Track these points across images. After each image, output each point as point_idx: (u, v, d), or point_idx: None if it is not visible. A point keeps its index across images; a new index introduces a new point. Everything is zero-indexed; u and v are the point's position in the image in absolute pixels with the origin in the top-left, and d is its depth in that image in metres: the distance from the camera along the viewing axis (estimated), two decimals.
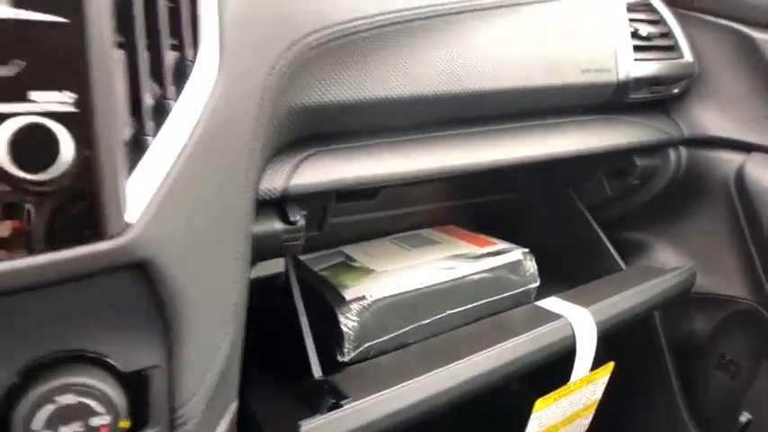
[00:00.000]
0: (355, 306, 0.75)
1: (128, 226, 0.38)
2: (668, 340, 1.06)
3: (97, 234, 0.37)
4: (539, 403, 0.77)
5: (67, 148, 0.35)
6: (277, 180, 0.56)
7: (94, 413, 0.40)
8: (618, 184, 1.00)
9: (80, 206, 0.37)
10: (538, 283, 0.91)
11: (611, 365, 0.86)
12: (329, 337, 0.76)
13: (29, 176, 0.34)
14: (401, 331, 0.80)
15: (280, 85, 0.52)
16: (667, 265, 1.02)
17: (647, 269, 0.97)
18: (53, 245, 0.36)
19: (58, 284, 0.38)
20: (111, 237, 0.37)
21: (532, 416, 0.78)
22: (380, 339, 0.78)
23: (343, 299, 0.76)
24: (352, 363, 0.75)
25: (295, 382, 0.70)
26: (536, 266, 0.91)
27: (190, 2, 0.45)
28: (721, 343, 1.04)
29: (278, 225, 0.59)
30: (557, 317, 0.79)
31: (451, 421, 0.88)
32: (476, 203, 1.08)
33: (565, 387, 0.80)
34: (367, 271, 0.81)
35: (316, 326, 0.70)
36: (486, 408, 0.80)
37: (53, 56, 0.36)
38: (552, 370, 0.81)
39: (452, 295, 0.84)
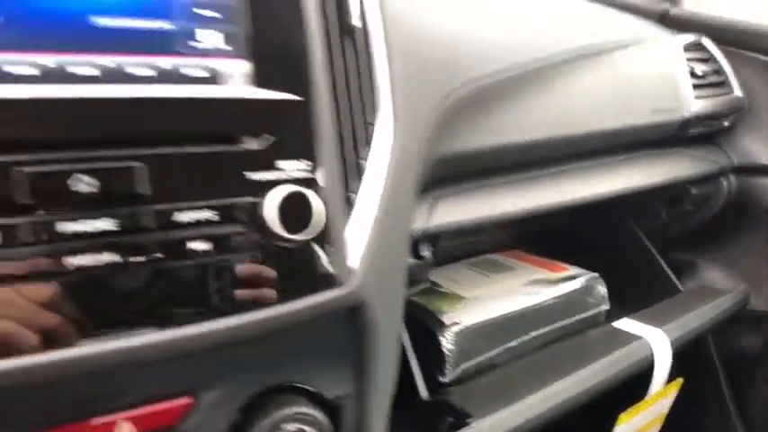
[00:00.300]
0: (453, 330, 0.81)
1: (351, 272, 0.44)
2: (720, 356, 1.12)
3: (330, 281, 0.43)
4: (623, 417, 0.84)
5: (319, 210, 0.41)
6: (418, 221, 0.62)
7: None
8: (673, 210, 1.07)
9: (315, 257, 0.43)
10: (608, 307, 0.97)
11: (679, 381, 0.93)
12: (429, 360, 0.82)
13: (292, 236, 0.40)
14: (492, 353, 0.86)
15: (433, 136, 0.58)
16: (718, 285, 1.09)
17: (705, 290, 1.04)
18: (294, 293, 0.42)
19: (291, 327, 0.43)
20: (341, 284, 0.44)
21: (616, 429, 0.84)
22: (474, 361, 0.84)
23: (443, 323, 0.82)
24: (450, 384, 0.81)
25: (401, 402, 0.75)
26: (606, 290, 0.97)
27: (369, 72, 0.52)
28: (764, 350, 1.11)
29: (410, 260, 0.66)
30: (636, 338, 0.86)
31: None
32: (533, 227, 1.15)
33: (643, 402, 0.86)
34: (458, 297, 0.87)
35: (414, 349, 0.76)
36: (568, 422, 0.86)
37: (293, 129, 0.43)
38: (631, 386, 0.87)
39: (534, 318, 0.90)
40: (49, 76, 0.36)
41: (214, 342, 0.39)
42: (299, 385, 0.47)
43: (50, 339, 0.34)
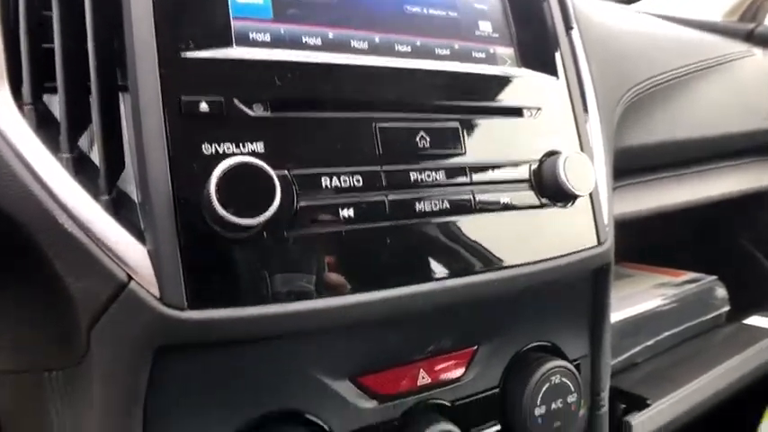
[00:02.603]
0: None
1: (609, 231, 0.49)
2: None
3: (595, 238, 0.48)
4: None
5: (590, 172, 0.46)
6: None
7: (570, 392, 0.49)
8: None
9: (587, 215, 0.48)
10: (729, 308, 1.00)
11: None
12: None
13: (576, 191, 0.45)
14: (633, 351, 0.89)
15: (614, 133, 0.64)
16: None
17: None
18: (567, 247, 0.47)
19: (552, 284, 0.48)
20: (603, 242, 0.48)
21: (763, 423, 0.86)
22: (619, 359, 0.87)
23: None
24: None
25: None
26: (726, 293, 1.00)
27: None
28: None
29: None
30: None
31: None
32: (633, 242, 1.19)
33: None
34: None
35: None
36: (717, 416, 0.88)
37: (554, 105, 0.48)
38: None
39: (666, 319, 0.93)
40: (377, 49, 0.42)
41: (511, 284, 0.43)
42: (553, 344, 0.50)
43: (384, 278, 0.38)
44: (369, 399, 0.42)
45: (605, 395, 0.55)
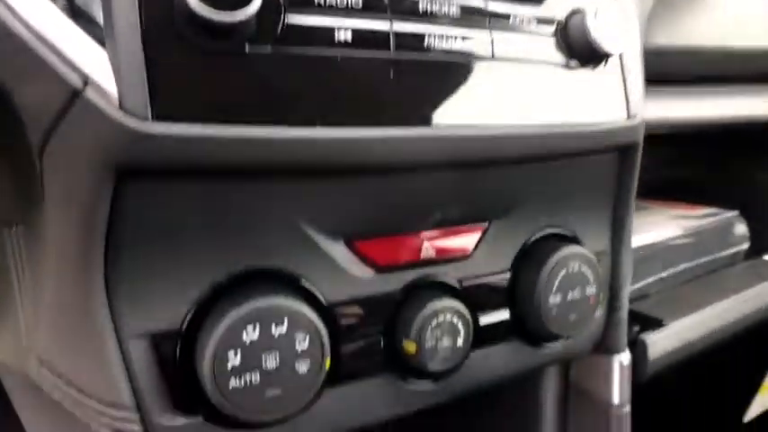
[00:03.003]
0: None
1: (639, 106, 0.43)
2: None
3: (624, 110, 0.42)
4: None
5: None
6: None
7: (589, 282, 0.44)
8: None
9: (616, 83, 0.42)
10: (748, 245, 0.95)
11: None
12: None
13: (609, 50, 0.39)
14: (645, 282, 0.84)
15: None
16: None
17: None
18: (595, 113, 0.41)
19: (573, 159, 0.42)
20: (633, 116, 0.42)
21: None
22: (630, 288, 0.82)
23: None
24: None
25: None
26: (746, 229, 0.95)
27: None
28: None
29: None
30: None
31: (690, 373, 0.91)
32: (660, 177, 1.13)
33: None
34: None
35: None
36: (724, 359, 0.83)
37: None
38: None
39: (681, 251, 0.88)
40: None
41: (526, 146, 0.38)
42: (572, 232, 0.45)
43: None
44: (365, 266, 0.37)
45: (625, 297, 0.50)
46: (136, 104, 0.27)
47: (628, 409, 0.51)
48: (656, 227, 0.89)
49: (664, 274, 0.87)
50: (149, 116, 0.28)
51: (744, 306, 0.78)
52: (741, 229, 0.96)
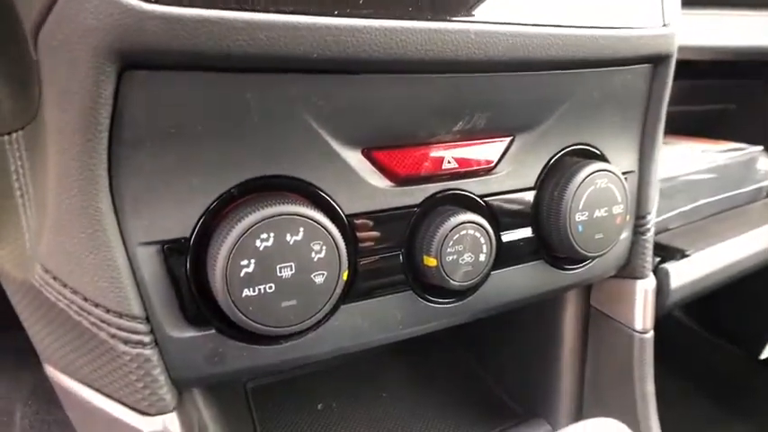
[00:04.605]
0: None
1: (672, 21, 0.40)
2: None
3: (660, 20, 0.39)
4: None
5: None
6: None
7: (617, 201, 0.42)
8: None
9: None
10: None
11: None
12: None
13: None
14: (667, 216, 0.81)
15: None
16: None
17: None
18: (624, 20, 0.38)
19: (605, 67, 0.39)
20: (666, 25, 0.39)
21: None
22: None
23: None
24: None
25: None
26: None
27: None
28: None
29: None
30: None
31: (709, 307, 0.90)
32: (685, 112, 1.09)
33: None
34: None
35: None
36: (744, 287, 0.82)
37: None
38: None
39: (704, 185, 0.85)
40: None
41: (555, 48, 0.35)
42: (599, 150, 0.43)
43: None
44: (384, 178, 0.35)
45: (651, 219, 0.48)
46: None
47: (651, 335, 0.49)
48: (680, 161, 0.86)
49: (686, 208, 0.84)
50: None
51: (764, 236, 0.75)
52: (765, 164, 0.93)
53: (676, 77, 0.61)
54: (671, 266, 0.59)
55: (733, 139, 1.00)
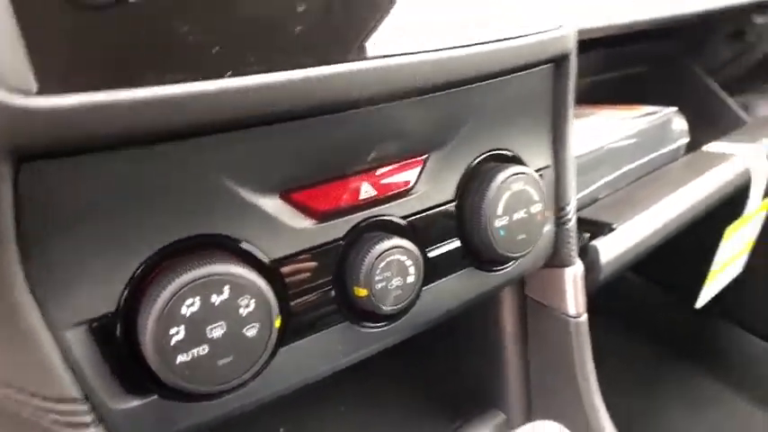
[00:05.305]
0: None
1: (563, 25, 0.42)
2: None
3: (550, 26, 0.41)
4: (728, 230, 0.85)
5: None
6: None
7: (534, 201, 0.44)
8: (735, 46, 1.06)
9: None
10: (689, 139, 0.97)
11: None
12: None
13: None
14: (593, 187, 0.85)
15: None
16: None
17: None
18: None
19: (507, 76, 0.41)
20: (561, 26, 0.41)
21: (722, 243, 0.85)
22: (581, 195, 0.83)
23: None
24: None
25: None
26: (686, 123, 0.97)
27: None
28: None
29: None
30: (730, 155, 0.86)
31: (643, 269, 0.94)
32: (595, 81, 1.13)
33: (746, 215, 0.87)
34: None
35: None
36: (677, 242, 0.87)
37: None
38: (729, 204, 0.88)
39: (625, 153, 0.89)
40: None
41: (458, 68, 0.36)
42: (512, 152, 0.45)
43: None
44: (305, 217, 0.36)
45: (571, 209, 0.50)
46: (17, 79, 0.24)
47: (584, 318, 0.52)
48: (600, 131, 0.90)
49: (610, 177, 0.88)
50: (35, 90, 0.25)
51: (688, 199, 0.80)
52: (680, 124, 0.97)
53: (591, 48, 0.64)
54: (599, 243, 0.62)
55: (650, 103, 1.05)
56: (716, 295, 0.99)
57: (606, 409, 0.56)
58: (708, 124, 1.07)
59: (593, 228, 0.69)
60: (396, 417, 0.56)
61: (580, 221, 0.70)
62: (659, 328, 1.33)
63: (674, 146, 0.97)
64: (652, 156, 0.93)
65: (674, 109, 0.97)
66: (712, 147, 0.91)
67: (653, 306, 1.35)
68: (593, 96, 1.12)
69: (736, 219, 0.89)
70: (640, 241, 0.69)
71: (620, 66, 1.20)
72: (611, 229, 0.66)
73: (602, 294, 0.76)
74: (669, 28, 0.89)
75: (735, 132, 0.99)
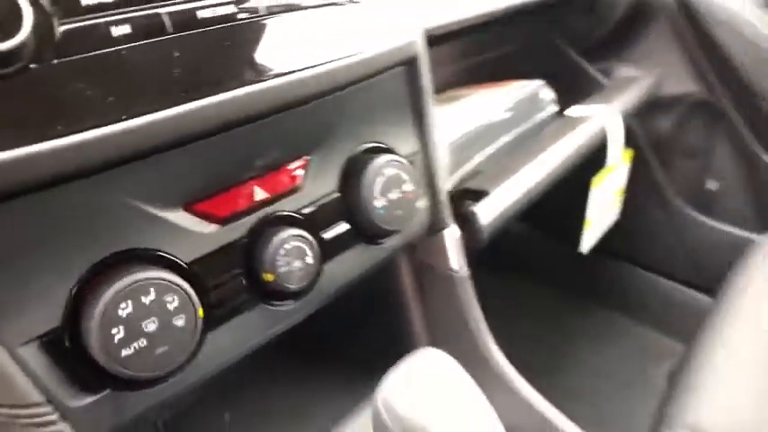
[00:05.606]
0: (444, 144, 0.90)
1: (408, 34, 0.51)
2: (647, 136, 1.31)
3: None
4: (594, 180, 0.98)
5: None
6: None
7: (404, 181, 0.53)
8: (591, 18, 1.20)
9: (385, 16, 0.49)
10: (558, 108, 1.10)
11: (630, 151, 1.09)
12: None
13: None
14: (476, 161, 0.96)
15: None
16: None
17: (629, 80, 1.20)
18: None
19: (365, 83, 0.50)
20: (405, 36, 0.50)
21: (592, 192, 0.99)
22: (465, 170, 0.94)
23: None
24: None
25: None
26: (553, 94, 1.10)
27: None
28: (682, 131, 1.31)
29: None
30: (588, 117, 1.00)
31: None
32: (472, 64, 1.25)
33: (607, 167, 1.01)
34: None
35: None
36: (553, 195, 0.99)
37: None
38: (594, 159, 1.02)
39: (501, 126, 1.01)
40: None
41: (317, 85, 0.44)
42: (384, 144, 0.53)
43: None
44: (209, 224, 0.43)
45: (441, 185, 0.60)
46: None
47: (466, 272, 0.62)
48: (477, 110, 1.01)
49: (490, 151, 0.99)
50: None
51: (552, 161, 0.92)
52: (547, 94, 1.10)
53: (464, 35, 0.73)
54: (477, 208, 0.72)
55: (524, 78, 1.17)
56: (604, 239, 1.14)
57: (509, 354, 0.67)
58: (573, 92, 1.21)
59: (474, 195, 0.79)
60: (318, 382, 0.65)
61: (464, 191, 0.80)
62: (557, 274, 1.48)
63: (543, 114, 1.09)
64: (525, 125, 1.05)
65: (541, 82, 1.10)
66: (572, 111, 1.05)
67: (550, 257, 1.50)
68: (473, 78, 1.24)
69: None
70: (514, 202, 0.80)
71: (494, 47, 1.32)
72: (487, 194, 0.77)
73: (503, 252, 0.86)
74: (532, 9, 1.00)
75: (593, 96, 1.13)
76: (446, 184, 0.60)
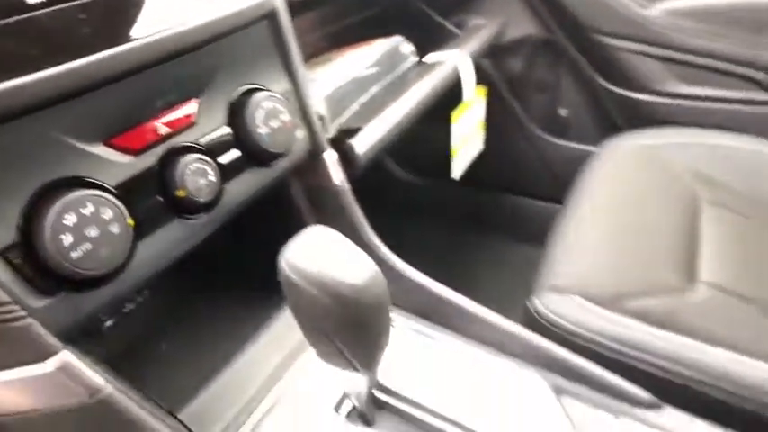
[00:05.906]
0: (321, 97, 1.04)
1: None
2: (502, 75, 1.51)
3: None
4: (454, 114, 1.16)
5: None
6: None
7: (282, 112, 0.66)
8: None
9: None
10: (418, 59, 1.26)
11: (484, 88, 1.27)
12: None
13: None
14: (351, 111, 1.11)
15: None
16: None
17: (477, 27, 1.38)
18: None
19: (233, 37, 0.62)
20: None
21: (453, 126, 1.16)
22: (343, 118, 1.08)
23: None
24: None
25: None
26: (413, 47, 1.26)
27: None
28: (532, 69, 1.52)
29: None
30: (442, 61, 1.17)
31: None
32: (340, 28, 1.39)
33: (463, 103, 1.19)
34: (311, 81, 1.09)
35: None
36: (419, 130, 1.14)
37: None
38: (449, 98, 1.19)
39: (369, 78, 1.16)
40: None
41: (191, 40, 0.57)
42: (261, 84, 0.66)
43: None
44: (125, 155, 0.54)
45: (313, 117, 0.73)
46: None
47: (347, 186, 0.76)
48: (348, 67, 1.15)
49: (363, 99, 1.14)
50: None
51: (413, 99, 1.08)
52: (407, 48, 1.26)
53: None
54: (353, 141, 0.87)
55: (391, 36, 1.31)
56: (476, 171, 1.32)
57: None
58: (432, 44, 1.38)
59: (351, 133, 0.94)
60: (237, 300, 0.78)
61: (342, 132, 0.94)
62: (448, 211, 1.67)
63: (406, 65, 1.25)
64: (390, 77, 1.21)
65: (401, 38, 1.25)
66: (429, 58, 1.21)
67: (433, 195, 1.68)
68: (345, 41, 1.38)
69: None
70: (385, 134, 0.95)
71: (360, 11, 1.46)
72: (361, 130, 0.91)
73: (392, 199, 0.99)
74: None
75: (447, 44, 1.31)
76: (319, 117, 0.73)
